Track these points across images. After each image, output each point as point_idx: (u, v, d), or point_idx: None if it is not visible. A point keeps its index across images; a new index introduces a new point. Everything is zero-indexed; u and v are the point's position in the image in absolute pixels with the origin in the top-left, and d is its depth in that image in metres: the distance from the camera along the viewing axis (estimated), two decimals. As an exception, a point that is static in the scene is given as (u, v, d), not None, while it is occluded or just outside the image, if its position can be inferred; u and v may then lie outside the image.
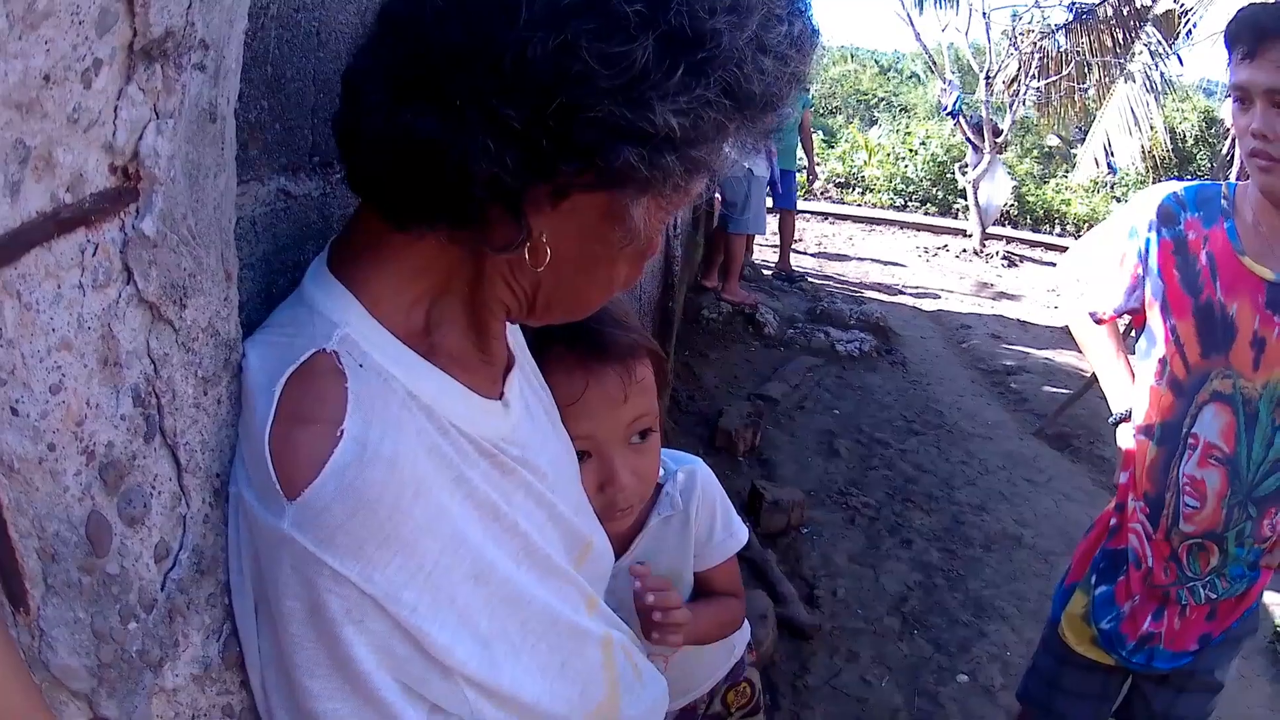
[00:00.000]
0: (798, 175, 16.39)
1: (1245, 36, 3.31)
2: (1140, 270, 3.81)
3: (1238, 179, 3.96)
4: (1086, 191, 28.19)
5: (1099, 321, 4.11)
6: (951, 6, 22.69)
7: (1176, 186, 3.84)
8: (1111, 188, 27.86)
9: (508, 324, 1.91)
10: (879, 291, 17.58)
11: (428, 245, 1.60)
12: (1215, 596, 3.85)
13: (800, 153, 16.61)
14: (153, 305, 1.26)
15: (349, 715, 1.50)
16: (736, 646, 3.07)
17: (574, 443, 2.20)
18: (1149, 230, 3.75)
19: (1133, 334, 4.09)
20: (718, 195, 13.70)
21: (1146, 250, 3.76)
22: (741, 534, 2.82)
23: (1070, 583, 4.26)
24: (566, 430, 2.17)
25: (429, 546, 1.52)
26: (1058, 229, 27.35)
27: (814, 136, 19.60)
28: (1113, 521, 4.10)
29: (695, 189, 1.58)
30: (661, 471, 2.67)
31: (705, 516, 2.73)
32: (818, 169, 27.00)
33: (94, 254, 1.15)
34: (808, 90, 14.40)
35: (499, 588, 1.67)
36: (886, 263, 20.33)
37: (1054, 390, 12.29)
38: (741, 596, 2.90)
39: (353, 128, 1.56)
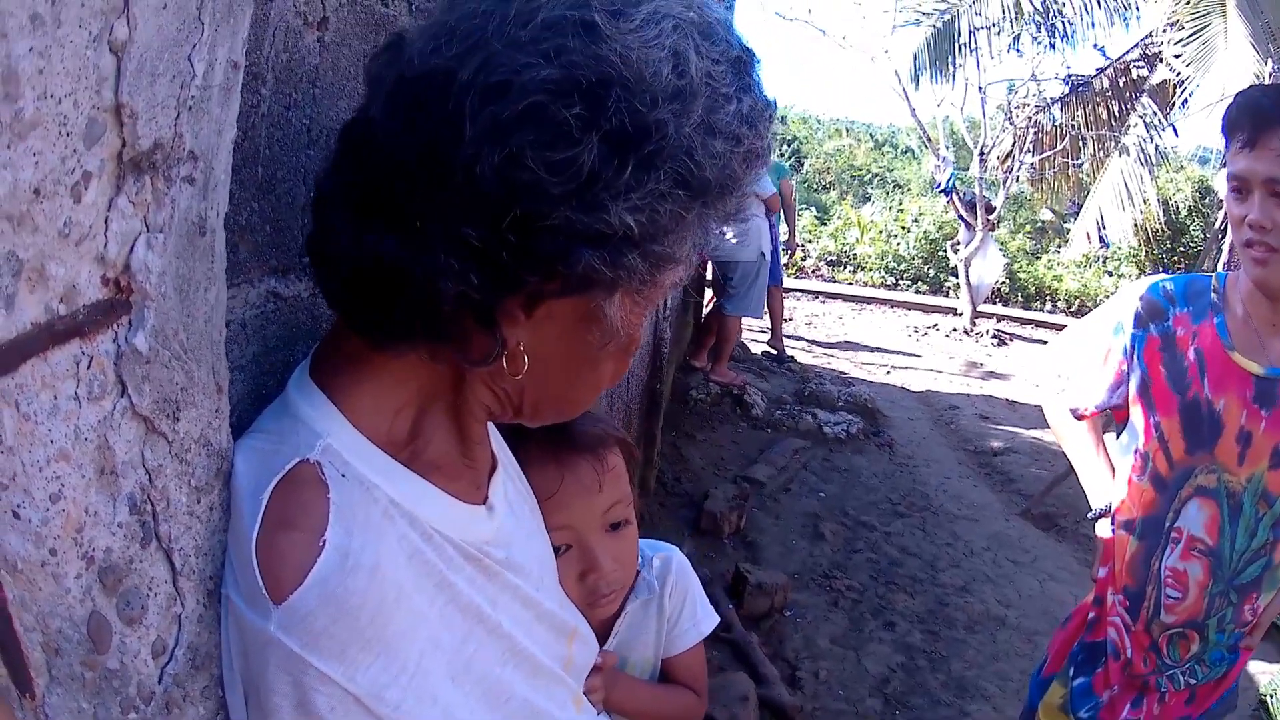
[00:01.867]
0: (780, 249, 16.25)
1: (1245, 124, 3.30)
2: (1125, 367, 3.81)
3: (1227, 268, 3.94)
4: (1078, 266, 28.21)
5: (1080, 417, 4.11)
6: (947, 81, 22.79)
7: (1165, 279, 3.83)
8: (1104, 262, 27.81)
9: (490, 425, 1.93)
10: (868, 371, 17.61)
11: (408, 359, 1.61)
12: (1195, 682, 3.86)
13: (784, 226, 16.53)
14: (146, 419, 1.29)
15: None
16: None
17: (554, 535, 2.21)
18: (1135, 326, 3.75)
19: (1114, 427, 4.10)
20: (710, 276, 13.78)
21: (1132, 347, 3.76)
22: (707, 624, 2.77)
23: (1048, 674, 4.25)
24: (547, 524, 2.19)
25: (410, 649, 1.53)
26: (1049, 305, 27.35)
27: (807, 214, 19.70)
28: (1091, 615, 4.10)
29: (668, 280, 1.58)
30: (639, 559, 2.70)
31: (676, 602, 2.70)
32: (809, 246, 27.02)
33: (89, 366, 1.18)
34: (771, 162, 14.38)
35: (476, 686, 1.68)
36: (875, 348, 20.24)
37: (1041, 471, 12.28)
38: (702, 695, 2.83)
39: (322, 249, 1.59)
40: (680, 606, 2.71)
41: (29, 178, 1.04)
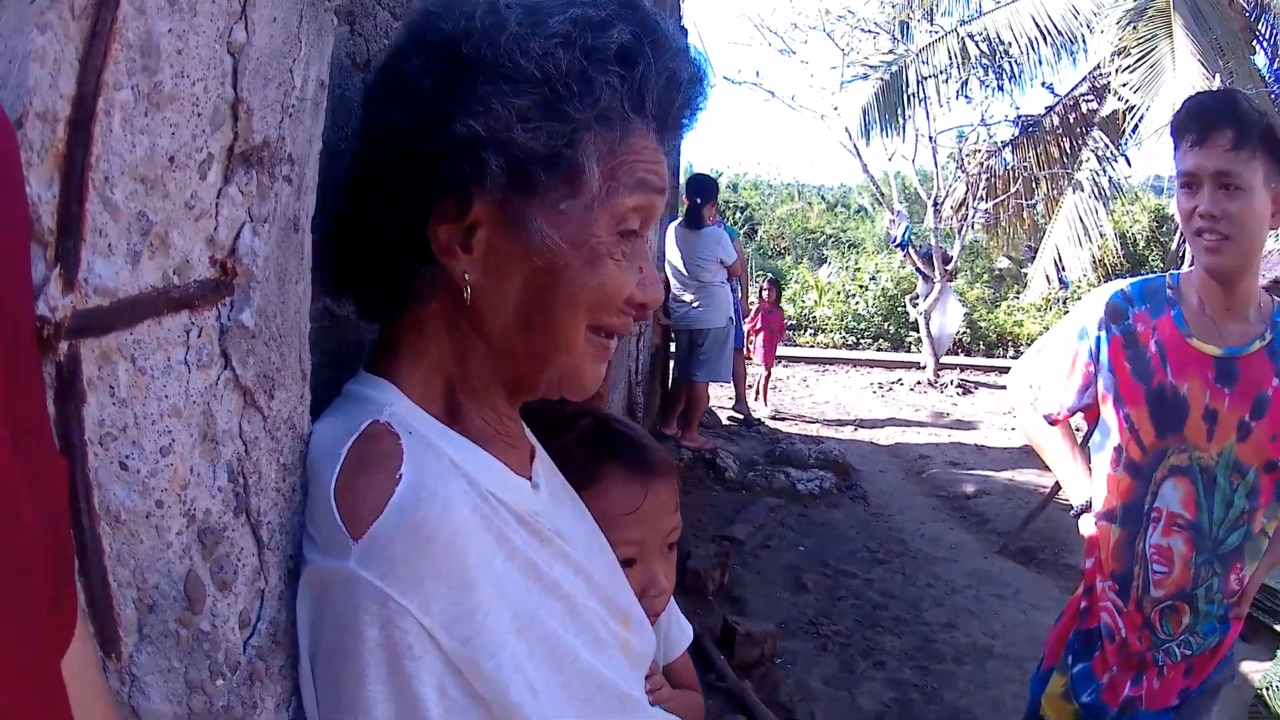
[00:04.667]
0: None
1: (1192, 125, 3.60)
2: (1092, 368, 4.03)
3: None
4: (1038, 310, 28.32)
5: (1053, 422, 4.29)
6: (898, 133, 22.94)
7: (1123, 284, 4.10)
8: (1064, 303, 27.68)
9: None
10: (835, 429, 17.74)
11: (430, 341, 1.81)
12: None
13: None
14: (248, 391, 1.41)
15: None
16: None
17: (622, 549, 2.24)
18: (1099, 329, 3.99)
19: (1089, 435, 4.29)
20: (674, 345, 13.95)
21: (1097, 348, 3.99)
22: (689, 630, 2.84)
23: (1047, 668, 4.38)
24: (616, 538, 2.21)
25: (482, 588, 1.58)
26: (1011, 352, 27.40)
27: (763, 280, 19.88)
28: (1082, 605, 4.24)
29: (586, 184, 1.70)
30: None
31: (665, 614, 2.80)
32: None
33: (198, 335, 1.30)
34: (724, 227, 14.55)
35: (540, 643, 1.70)
36: (839, 409, 20.33)
37: (1015, 509, 12.38)
38: (700, 691, 2.86)
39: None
40: (669, 617, 2.78)
41: (166, 145, 1.17)
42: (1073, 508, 4.29)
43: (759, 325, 18.94)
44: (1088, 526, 4.19)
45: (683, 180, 14.76)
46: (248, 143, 1.33)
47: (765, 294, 19.44)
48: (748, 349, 18.44)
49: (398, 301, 1.82)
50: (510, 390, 1.88)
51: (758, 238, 42.01)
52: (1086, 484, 4.21)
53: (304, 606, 1.58)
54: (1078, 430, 4.45)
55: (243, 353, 1.39)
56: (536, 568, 1.75)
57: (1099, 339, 4.00)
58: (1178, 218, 3.78)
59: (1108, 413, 4.02)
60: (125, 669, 1.25)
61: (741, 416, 17.09)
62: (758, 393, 18.95)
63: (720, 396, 17.86)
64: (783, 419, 18.51)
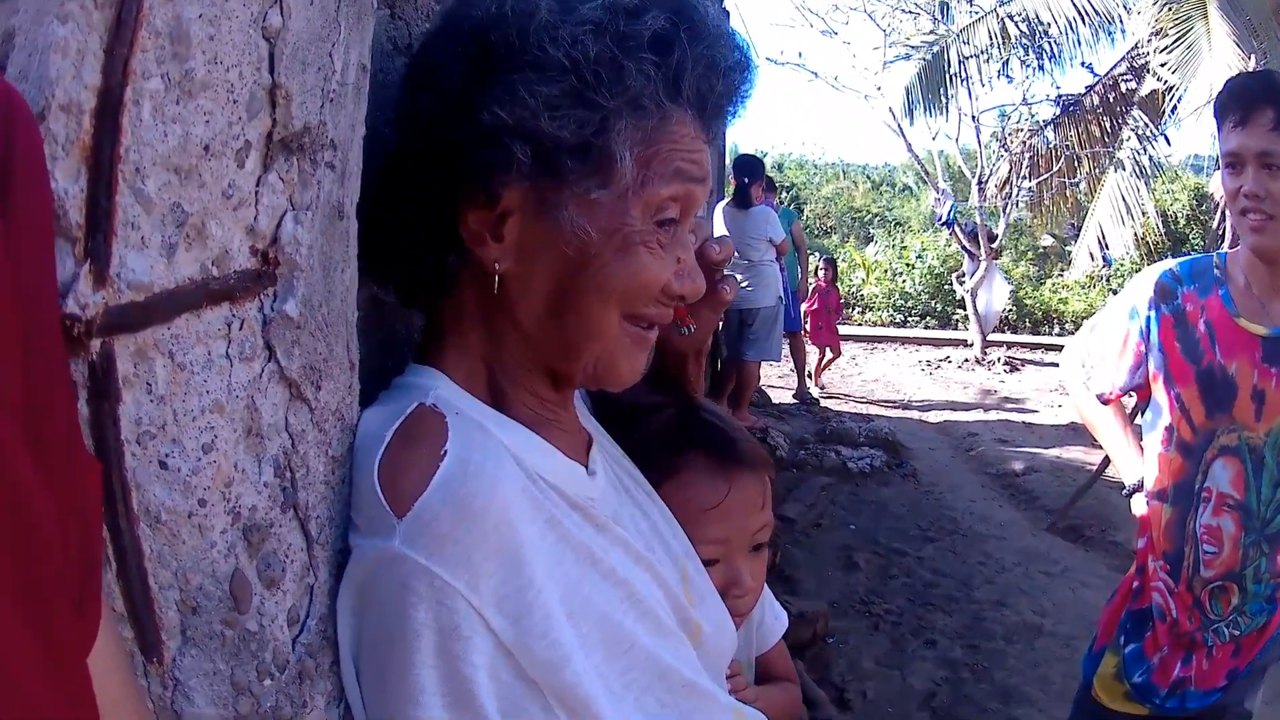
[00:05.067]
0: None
1: (1234, 106, 3.57)
2: (1143, 348, 4.00)
3: (1231, 247, 4.18)
4: (1083, 288, 28.26)
5: (1106, 402, 4.27)
6: (941, 113, 22.98)
7: (1172, 263, 4.07)
8: (1107, 280, 27.85)
9: (581, 407, 2.03)
10: (885, 407, 17.72)
11: (469, 328, 1.79)
12: (1238, 633, 3.98)
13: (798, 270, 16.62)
14: (293, 383, 1.38)
15: None
16: None
17: (706, 548, 2.15)
18: (1149, 309, 3.96)
19: (1139, 412, 4.27)
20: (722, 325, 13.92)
21: (1148, 328, 3.96)
22: (784, 616, 2.72)
23: (1099, 647, 4.33)
24: (698, 535, 2.13)
25: (533, 566, 1.53)
26: (1057, 329, 27.44)
27: (812, 259, 19.79)
28: (1135, 584, 4.22)
29: (619, 176, 1.66)
30: None
31: (758, 604, 2.74)
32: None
33: (240, 328, 1.27)
34: (779, 209, 14.57)
35: (594, 629, 1.64)
36: (888, 387, 20.32)
37: (1063, 487, 12.31)
38: (797, 682, 2.80)
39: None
40: (763, 606, 2.71)
41: (200, 134, 1.14)
42: (1124, 486, 4.28)
43: (816, 305, 18.76)
44: (1140, 506, 4.17)
45: (729, 162, 14.77)
46: (287, 129, 1.31)
47: (822, 273, 19.38)
48: (815, 331, 18.65)
49: (430, 290, 1.80)
50: (550, 378, 1.84)
51: (804, 217, 41.79)
52: (1139, 463, 4.19)
53: (346, 595, 1.55)
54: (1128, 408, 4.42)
55: (287, 344, 1.37)
56: (591, 552, 1.69)
57: (1149, 319, 3.97)
58: (1218, 197, 3.77)
59: (1159, 392, 4.00)
60: (168, 673, 1.23)
61: (804, 394, 17.25)
62: (813, 374, 18.86)
63: (770, 375, 17.83)
64: (832, 397, 18.47)
